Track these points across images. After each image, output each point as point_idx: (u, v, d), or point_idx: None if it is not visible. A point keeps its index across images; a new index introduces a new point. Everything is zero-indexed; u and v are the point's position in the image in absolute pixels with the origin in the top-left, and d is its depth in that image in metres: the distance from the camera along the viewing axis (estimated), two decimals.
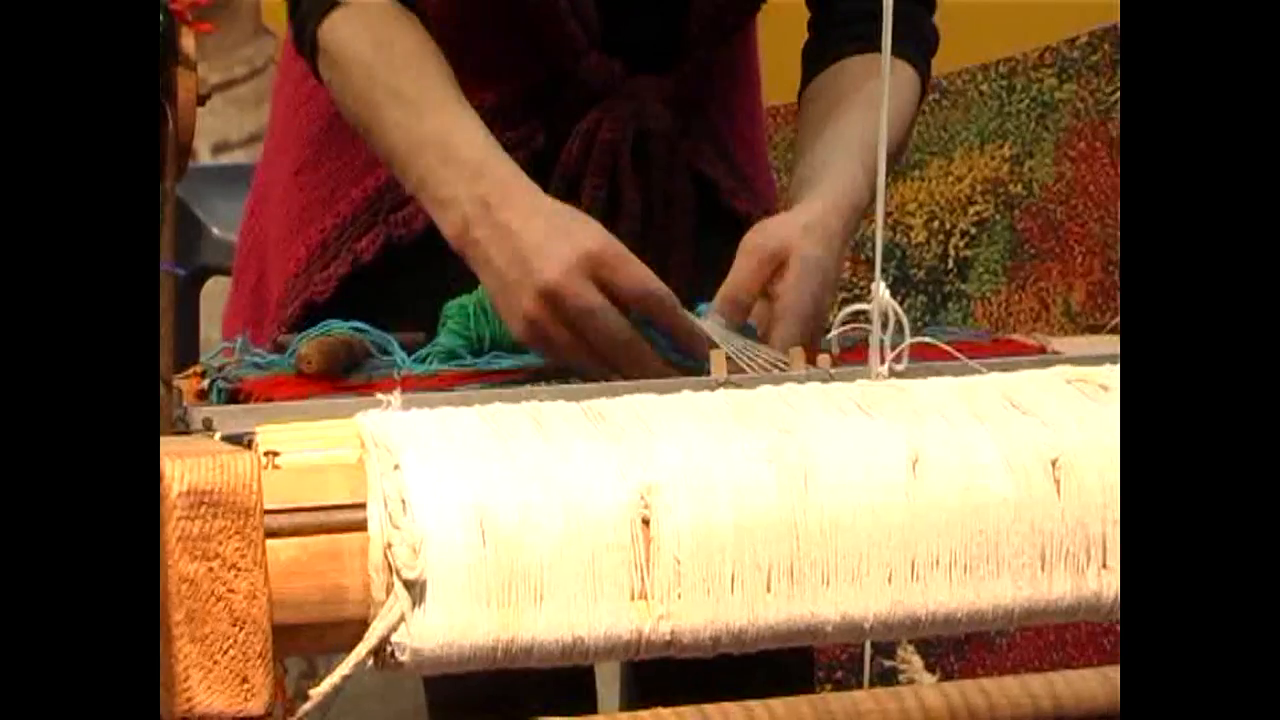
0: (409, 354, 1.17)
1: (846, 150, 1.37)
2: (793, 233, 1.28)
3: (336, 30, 1.32)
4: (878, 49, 1.41)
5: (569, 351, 1.18)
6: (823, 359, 1.12)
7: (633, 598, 0.75)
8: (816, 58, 1.48)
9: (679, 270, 1.43)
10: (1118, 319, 1.43)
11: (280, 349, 1.19)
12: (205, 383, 1.14)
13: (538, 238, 1.19)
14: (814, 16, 1.51)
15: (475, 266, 1.21)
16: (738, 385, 1.00)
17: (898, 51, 1.41)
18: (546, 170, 1.38)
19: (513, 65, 1.41)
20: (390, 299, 1.31)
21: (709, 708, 0.96)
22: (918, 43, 1.47)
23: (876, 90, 1.39)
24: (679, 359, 1.18)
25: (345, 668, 0.73)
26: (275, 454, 0.75)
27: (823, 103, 1.44)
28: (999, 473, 0.78)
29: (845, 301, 1.16)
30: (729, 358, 1.12)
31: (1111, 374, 0.83)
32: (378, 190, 1.41)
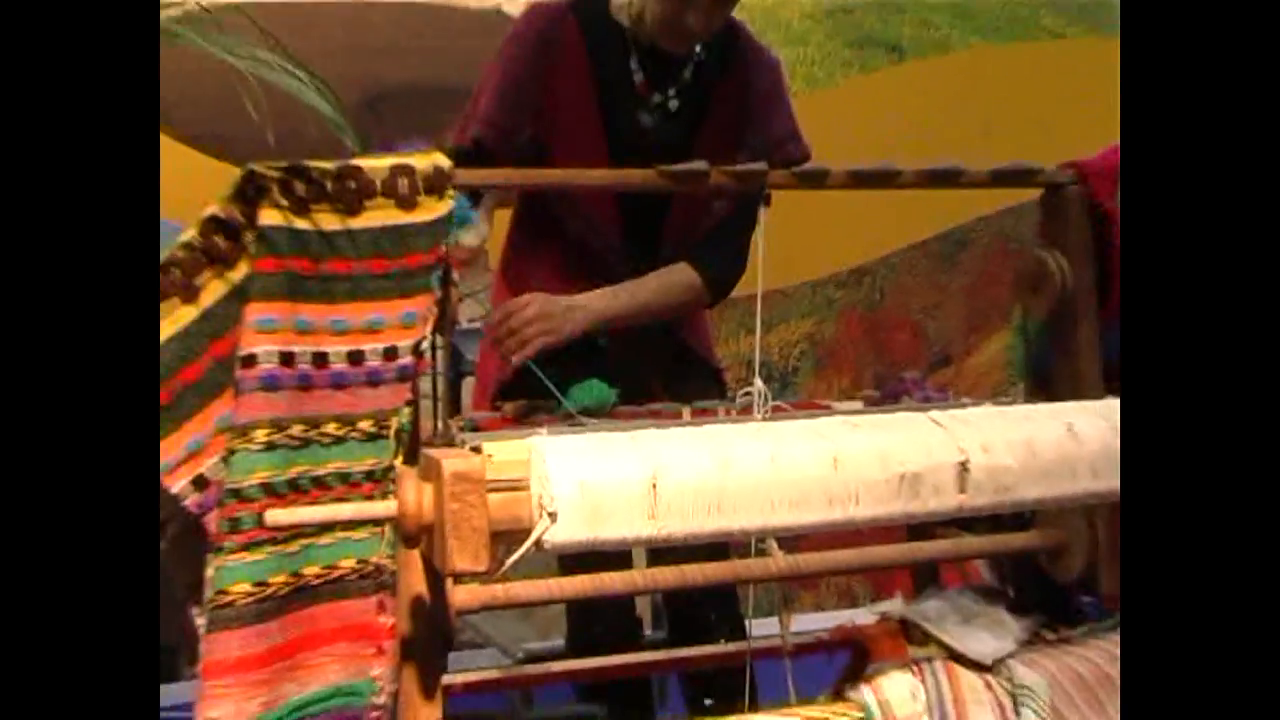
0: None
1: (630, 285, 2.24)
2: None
3: None
4: (698, 265, 2.32)
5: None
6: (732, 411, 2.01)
7: (649, 519, 1.51)
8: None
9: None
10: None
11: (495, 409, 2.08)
12: (463, 421, 1.98)
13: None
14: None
15: None
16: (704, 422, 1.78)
17: (696, 265, 2.33)
18: None
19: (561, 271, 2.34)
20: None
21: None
22: (709, 267, 2.33)
23: (673, 276, 2.29)
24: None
25: (522, 550, 1.49)
26: (491, 455, 1.51)
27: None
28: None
29: (740, 384, 2.07)
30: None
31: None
32: None
